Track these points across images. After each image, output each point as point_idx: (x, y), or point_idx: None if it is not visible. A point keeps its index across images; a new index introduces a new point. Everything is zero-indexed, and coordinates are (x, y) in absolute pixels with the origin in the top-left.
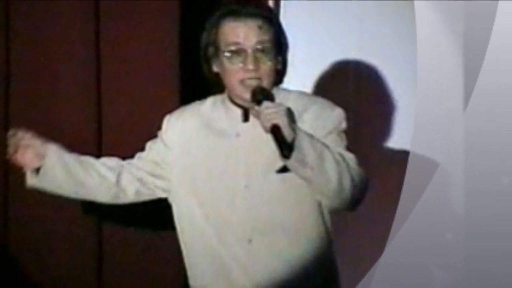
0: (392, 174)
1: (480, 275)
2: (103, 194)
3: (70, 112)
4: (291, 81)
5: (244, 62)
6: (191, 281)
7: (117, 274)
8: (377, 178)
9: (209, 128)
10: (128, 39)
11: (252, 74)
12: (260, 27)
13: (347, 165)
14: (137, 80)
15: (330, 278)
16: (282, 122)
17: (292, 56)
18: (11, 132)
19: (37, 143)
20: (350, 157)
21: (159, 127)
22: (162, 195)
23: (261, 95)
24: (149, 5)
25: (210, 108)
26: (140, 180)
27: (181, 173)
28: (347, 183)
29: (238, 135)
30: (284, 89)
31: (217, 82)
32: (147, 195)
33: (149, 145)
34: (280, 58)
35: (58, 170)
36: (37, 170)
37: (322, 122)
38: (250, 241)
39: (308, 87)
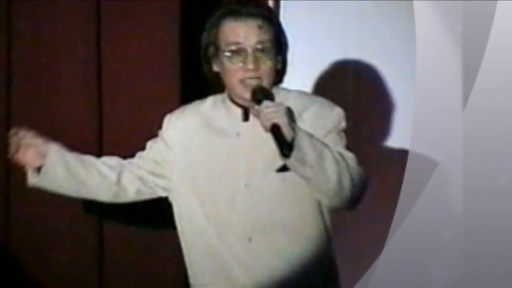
0: (391, 173)
1: (478, 273)
2: (104, 193)
3: (71, 111)
4: (291, 81)
5: (244, 61)
6: (192, 280)
7: (118, 272)
8: (376, 177)
9: (210, 127)
10: (129, 39)
11: (252, 74)
12: (260, 27)
13: (347, 164)
14: (138, 80)
15: (329, 276)
16: (282, 122)
17: (292, 55)
18: (12, 131)
19: (39, 142)
20: (349, 156)
21: (159, 126)
22: (163, 194)
23: (261, 94)
24: (150, 5)
25: (211, 108)
26: (140, 179)
27: (181, 172)
28: (346, 182)
29: (238, 134)
30: (284, 89)
31: (217, 81)
32: (147, 194)
33: (149, 144)
34: (280, 58)
35: (59, 169)
36: (38, 169)
37: (321, 121)
38: (250, 239)
39: (308, 87)
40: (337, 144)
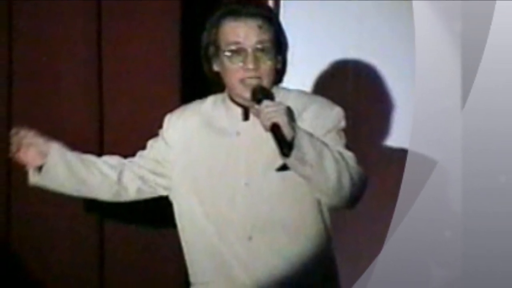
0: (390, 172)
1: (477, 272)
2: (104, 192)
3: (72, 111)
4: (290, 80)
5: (244, 61)
6: (192, 278)
7: (118, 271)
8: (375, 176)
9: (210, 126)
10: (129, 39)
11: (252, 73)
12: (260, 27)
13: (346, 163)
14: (138, 79)
15: (329, 275)
16: (282, 121)
17: (292, 55)
18: (13, 131)
19: (40, 142)
20: (349, 155)
21: (160, 126)
22: (163, 193)
23: (261, 94)
24: (150, 5)
25: (211, 107)
26: (141, 178)
27: (182, 171)
28: (346, 181)
29: (238, 133)
30: (284, 88)
31: (217, 81)
32: (148, 193)
33: (150, 143)
34: (279, 58)
35: (60, 168)
36: (40, 168)
37: (321, 121)
38: (250, 238)
39: (308, 86)
40: (337, 144)
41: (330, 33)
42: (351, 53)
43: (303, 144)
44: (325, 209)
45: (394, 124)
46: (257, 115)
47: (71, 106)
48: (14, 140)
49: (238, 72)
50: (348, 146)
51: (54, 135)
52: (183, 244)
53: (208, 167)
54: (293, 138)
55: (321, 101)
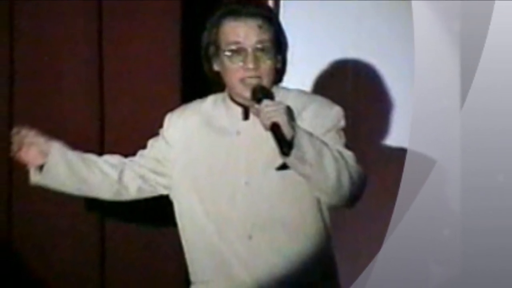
0: (390, 171)
1: (476, 270)
2: (105, 191)
3: (73, 111)
4: (290, 80)
5: (244, 61)
6: (192, 277)
7: (119, 269)
8: (375, 175)
9: (210, 126)
10: (130, 39)
11: (252, 73)
12: (260, 27)
13: (346, 162)
14: (139, 79)
15: (328, 273)
16: (282, 120)
17: (292, 55)
18: (15, 130)
19: (41, 141)
20: (348, 154)
21: (160, 125)
22: (164, 192)
23: (261, 93)
24: (151, 5)
25: (211, 106)
26: (142, 177)
27: (182, 170)
28: (345, 180)
29: (238, 133)
30: (284, 88)
31: (217, 80)
32: (148, 192)
33: (151, 142)
34: (279, 57)
35: (61, 168)
36: (41, 168)
37: (321, 120)
38: (250, 237)
39: (307, 86)
40: (336, 143)
41: (329, 33)
42: (351, 53)
43: (303, 143)
44: (324, 208)
45: (393, 123)
46: (257, 114)
47: (72, 106)
48: (16, 139)
49: (238, 72)
50: (347, 145)
51: (55, 134)
52: (184, 242)
53: (208, 166)
54: (292, 137)
55: (320, 100)
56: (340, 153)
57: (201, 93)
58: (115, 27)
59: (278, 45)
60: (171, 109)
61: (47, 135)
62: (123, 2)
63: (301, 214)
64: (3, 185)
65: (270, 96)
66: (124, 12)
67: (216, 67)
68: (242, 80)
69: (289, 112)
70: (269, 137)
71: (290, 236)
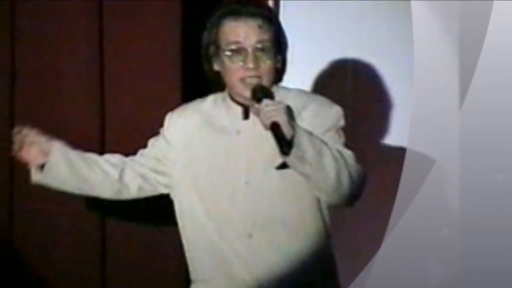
0: (389, 171)
1: (475, 269)
2: (106, 190)
3: (74, 110)
4: (290, 80)
5: (244, 60)
6: (193, 275)
7: (120, 268)
8: (374, 174)
9: (210, 125)
10: (131, 39)
11: (252, 73)
12: (260, 27)
13: (345, 161)
14: (139, 79)
15: (328, 272)
16: (282, 120)
17: (292, 55)
18: (16, 130)
19: (42, 140)
20: (348, 153)
21: (161, 125)
22: (164, 191)
23: (261, 93)
24: (152, 5)
25: (211, 106)
26: (142, 176)
27: (182, 170)
28: (345, 179)
29: (238, 132)
30: (284, 87)
31: (218, 80)
32: (149, 191)
33: (151, 142)
34: (279, 57)
35: (62, 167)
36: (42, 167)
37: (320, 120)
38: (250, 236)
39: (307, 85)
40: (336, 142)
41: (329, 33)
42: (350, 53)
43: (303, 143)
44: (324, 207)
45: (393, 123)
46: (257, 114)
47: (73, 105)
48: (17, 138)
49: (238, 71)
50: (347, 145)
51: (56, 133)
52: (184, 241)
53: (209, 166)
54: (292, 137)
55: (320, 100)
56: (339, 152)
57: (201, 92)
58: (116, 27)
59: (278, 45)
60: (172, 108)
61: (48, 134)
62: (124, 2)
63: (301, 213)
64: (4, 184)
65: (270, 95)
66: (124, 12)
67: (216, 67)
68: (242, 80)
69: (289, 111)
70: (269, 137)
71: (290, 235)
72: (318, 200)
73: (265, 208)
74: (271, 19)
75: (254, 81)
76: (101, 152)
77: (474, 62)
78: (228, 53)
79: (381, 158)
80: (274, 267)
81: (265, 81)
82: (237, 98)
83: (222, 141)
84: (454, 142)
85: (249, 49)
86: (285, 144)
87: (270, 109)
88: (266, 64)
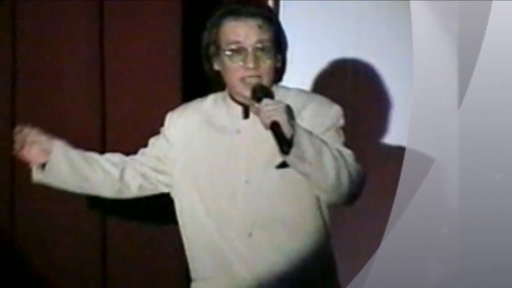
0: (388, 170)
1: (474, 268)
2: (107, 189)
3: (75, 109)
4: (290, 79)
5: (244, 60)
6: (193, 274)
7: (121, 267)
8: (374, 173)
9: (210, 124)
10: (131, 38)
11: (252, 72)
12: (260, 26)
13: (345, 161)
14: (140, 78)
15: (328, 270)
16: (282, 119)
17: (291, 54)
18: (17, 129)
19: (43, 140)
20: (347, 153)
21: (161, 124)
22: (165, 190)
23: (261, 92)
24: (152, 5)
25: (211, 105)
26: (143, 175)
27: (183, 169)
28: (344, 179)
29: (238, 131)
30: (284, 87)
31: (218, 80)
32: (150, 190)
33: (152, 141)
34: (279, 57)
35: (63, 166)
36: (43, 166)
37: (320, 119)
38: (250, 235)
39: (307, 85)
40: (336, 141)
41: (329, 32)
42: (350, 53)
43: (303, 142)
44: (324, 206)
45: (392, 122)
46: (257, 113)
47: (74, 105)
48: (18, 138)
49: (238, 71)
50: (346, 144)
51: (57, 133)
52: (184, 240)
53: (209, 165)
54: (292, 136)
55: (320, 99)
56: (339, 151)
57: (202, 92)
58: (116, 27)
59: (278, 44)
60: (172, 108)
61: (49, 133)
62: (124, 2)
63: (300, 212)
64: (5, 183)
65: (270, 95)
66: (125, 12)
67: (216, 67)
68: (242, 79)
69: (289, 111)
70: (269, 136)
71: (290, 234)
72: (318, 199)
73: (265, 207)
74: (271, 19)
75: (254, 80)
76: (102, 152)
77: (473, 62)
78: (228, 53)
79: (381, 157)
80: (274, 266)
81: (265, 81)
82: (237, 98)
83: (222, 141)
84: (453, 142)
85: (249, 49)
86: (285, 143)
87: (270, 109)
88: (266, 63)
